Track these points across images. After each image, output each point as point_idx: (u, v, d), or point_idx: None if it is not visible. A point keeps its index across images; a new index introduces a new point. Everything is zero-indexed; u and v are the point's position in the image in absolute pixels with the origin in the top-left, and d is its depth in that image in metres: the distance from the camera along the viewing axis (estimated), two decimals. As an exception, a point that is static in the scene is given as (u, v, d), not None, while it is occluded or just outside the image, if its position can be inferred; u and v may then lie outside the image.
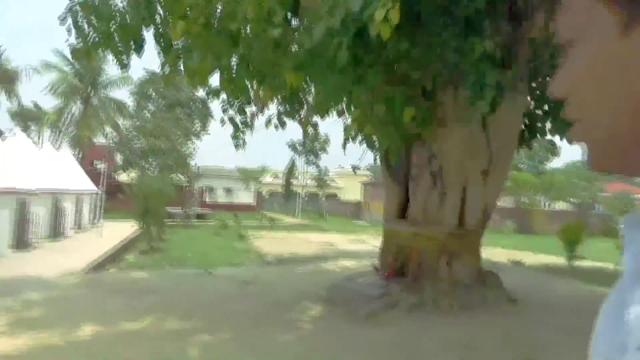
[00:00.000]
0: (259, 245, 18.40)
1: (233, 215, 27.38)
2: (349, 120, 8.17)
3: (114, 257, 13.62)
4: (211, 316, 7.10)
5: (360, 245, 19.96)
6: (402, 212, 7.63)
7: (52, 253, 13.85)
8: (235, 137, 8.56)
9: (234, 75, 5.78)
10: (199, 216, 30.70)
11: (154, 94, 38.18)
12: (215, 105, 39.61)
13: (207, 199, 39.20)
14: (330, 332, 6.30)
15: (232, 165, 44.62)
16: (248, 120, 8.44)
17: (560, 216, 35.86)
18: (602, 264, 15.21)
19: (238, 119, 8.37)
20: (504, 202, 39.20)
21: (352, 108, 6.34)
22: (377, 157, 7.76)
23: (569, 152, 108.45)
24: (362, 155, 8.17)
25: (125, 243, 17.00)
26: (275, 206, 47.08)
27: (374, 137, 7.36)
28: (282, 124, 7.68)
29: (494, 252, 14.28)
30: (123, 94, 48.10)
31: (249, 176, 41.37)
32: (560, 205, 47.46)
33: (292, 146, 41.14)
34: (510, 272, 12.66)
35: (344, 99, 6.32)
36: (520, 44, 6.30)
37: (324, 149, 41.64)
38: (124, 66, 6.87)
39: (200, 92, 39.93)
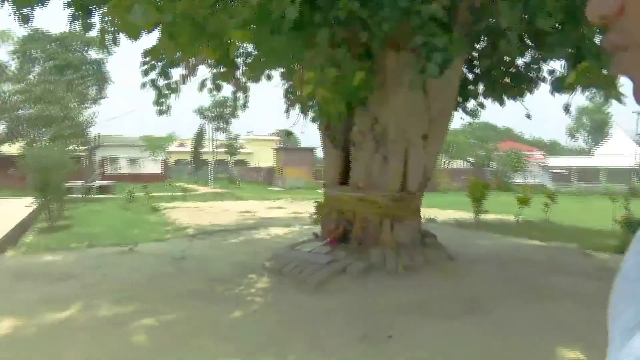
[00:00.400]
0: (176, 217, 17.52)
1: (142, 187, 25.76)
2: (286, 85, 7.86)
3: (12, 240, 12.12)
4: (149, 298, 6.56)
5: (281, 212, 19.87)
6: (343, 177, 7.60)
7: None
8: (157, 102, 7.90)
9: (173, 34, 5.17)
10: (102, 189, 28.44)
11: (40, 54, 33.97)
12: (112, 67, 36.18)
13: (108, 171, 36.32)
14: (283, 303, 6.13)
15: (137, 134, 41.68)
16: (172, 84, 7.78)
17: (460, 174, 38.79)
18: (503, 216, 16.71)
19: (162, 82, 7.68)
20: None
21: (302, 71, 6.01)
22: (316, 122, 7.58)
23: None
24: (296, 121, 7.93)
25: (21, 222, 15.21)
26: (185, 175, 45.19)
27: (313, 102, 7.15)
28: (218, 88, 7.13)
29: None
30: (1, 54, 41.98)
31: (154, 145, 39.01)
32: (457, 164, 51.29)
33: (200, 112, 39.37)
34: (430, 229, 13.40)
35: (289, 61, 5.98)
36: (460, 7, 6.37)
37: (233, 115, 40.39)
38: (26, 21, 5.85)
39: (93, 54, 36.24)
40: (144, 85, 7.60)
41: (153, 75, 7.63)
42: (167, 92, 7.87)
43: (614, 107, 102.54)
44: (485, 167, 42.43)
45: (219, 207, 22.23)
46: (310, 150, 42.74)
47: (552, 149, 67.57)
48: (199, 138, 44.67)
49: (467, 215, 17.27)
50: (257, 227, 13.93)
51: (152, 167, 41.00)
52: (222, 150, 45.43)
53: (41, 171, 15.80)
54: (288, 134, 10.22)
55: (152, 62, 7.26)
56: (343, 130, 7.58)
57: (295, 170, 38.39)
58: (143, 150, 38.44)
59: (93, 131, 32.93)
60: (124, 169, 38.79)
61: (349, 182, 7.56)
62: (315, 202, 14.38)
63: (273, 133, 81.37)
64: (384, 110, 7.01)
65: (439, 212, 18.78)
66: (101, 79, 35.73)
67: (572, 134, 76.10)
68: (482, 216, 15.98)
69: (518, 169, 39.69)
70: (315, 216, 13.36)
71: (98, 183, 29.08)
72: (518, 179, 39.95)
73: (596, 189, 35.37)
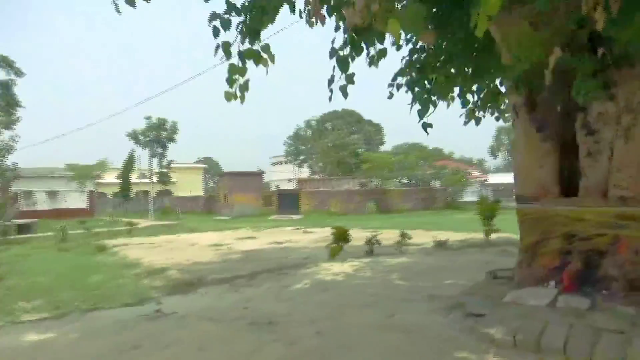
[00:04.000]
0: (137, 257, 14.37)
1: (78, 223, 21.81)
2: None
3: None
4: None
5: (260, 242, 17.27)
6: (562, 186, 5.11)
7: None
8: (230, 82, 4.93)
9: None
10: (22, 229, 23.81)
11: None
12: (21, 91, 31.09)
13: (23, 207, 31.02)
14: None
15: (57, 164, 36.31)
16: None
17: (411, 194, 38.33)
18: (510, 234, 15.57)
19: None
20: (363, 184, 40.40)
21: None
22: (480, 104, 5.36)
23: (398, 134, 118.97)
24: (428, 114, 5.41)
25: None
26: (110, 208, 40.26)
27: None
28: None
29: (384, 236, 13.03)
30: None
31: (82, 175, 34.08)
32: (397, 184, 50.98)
33: (134, 136, 35.13)
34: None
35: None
36: None
37: (172, 139, 36.63)
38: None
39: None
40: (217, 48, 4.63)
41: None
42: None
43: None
44: (434, 186, 42.47)
45: (180, 241, 19.13)
46: (258, 175, 40.20)
47: (480, 167, 70.61)
48: (128, 165, 40.26)
49: (466, 235, 16.09)
50: (298, 266, 11.06)
51: (76, 200, 35.85)
52: (147, 180, 41.11)
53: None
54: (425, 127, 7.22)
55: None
56: (554, 116, 4.98)
57: (243, 197, 35.57)
58: (69, 180, 33.33)
59: (10, 159, 27.85)
60: (43, 203, 33.40)
61: (581, 190, 4.95)
62: (334, 228, 12.04)
63: (197, 160, 77.29)
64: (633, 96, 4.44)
65: (453, 234, 17.25)
66: (11, 102, 30.81)
67: (493, 152, 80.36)
68: (492, 235, 14.70)
69: (464, 187, 40.16)
70: (332, 248, 11.28)
71: (16, 221, 24.41)
72: (464, 197, 40.39)
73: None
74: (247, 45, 4.51)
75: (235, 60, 4.52)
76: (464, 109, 6.18)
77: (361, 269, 9.87)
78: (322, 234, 18.58)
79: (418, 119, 5.43)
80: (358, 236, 13.38)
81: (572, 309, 4.40)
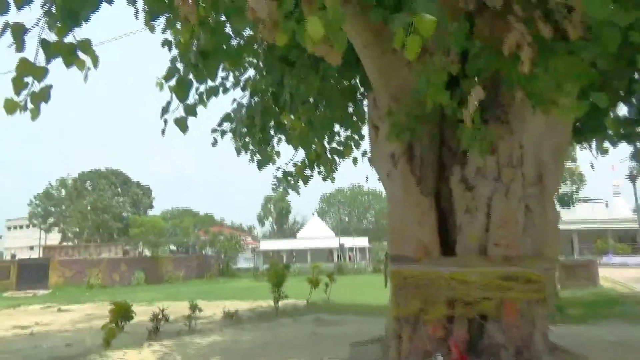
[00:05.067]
0: None
1: None
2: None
3: None
4: None
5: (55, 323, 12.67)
6: (442, 245, 4.57)
7: None
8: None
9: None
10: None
11: None
12: None
13: None
14: None
15: None
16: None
17: (183, 261, 35.97)
18: (297, 300, 15.45)
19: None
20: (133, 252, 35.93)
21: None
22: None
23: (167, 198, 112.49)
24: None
25: None
26: None
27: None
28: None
29: (172, 310, 11.18)
30: None
31: None
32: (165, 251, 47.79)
33: None
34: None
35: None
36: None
37: None
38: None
39: None
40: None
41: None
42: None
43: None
44: (206, 253, 40.92)
45: None
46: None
47: (250, 233, 72.38)
48: None
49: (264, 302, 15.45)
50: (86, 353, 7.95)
51: None
52: None
53: None
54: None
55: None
56: (432, 162, 4.56)
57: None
58: None
59: None
60: None
61: (459, 249, 4.49)
62: (113, 303, 9.12)
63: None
64: (530, 127, 4.22)
65: (239, 303, 16.08)
66: None
67: (261, 220, 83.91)
68: (281, 302, 14.30)
69: (239, 253, 40.11)
70: (109, 330, 8.83)
71: None
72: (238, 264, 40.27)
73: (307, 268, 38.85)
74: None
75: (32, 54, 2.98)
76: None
77: (169, 356, 7.89)
78: (82, 312, 15.17)
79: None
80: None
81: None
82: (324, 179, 7.12)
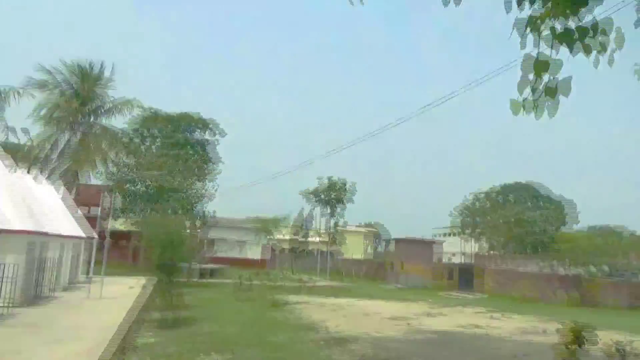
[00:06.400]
0: (313, 319, 13.40)
1: (253, 274, 22.30)
2: None
3: (127, 341, 8.63)
4: None
5: (443, 321, 14.79)
6: None
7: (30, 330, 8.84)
8: None
9: None
10: (208, 273, 25.44)
11: (157, 133, 33.92)
12: (223, 148, 35.44)
13: (213, 253, 33.70)
14: None
15: (244, 215, 39.42)
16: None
17: (619, 287, 31.37)
18: None
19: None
20: None
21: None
22: None
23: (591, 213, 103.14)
24: None
25: (137, 313, 11.88)
26: (283, 263, 41.44)
27: None
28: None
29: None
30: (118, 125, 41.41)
31: (265, 227, 36.14)
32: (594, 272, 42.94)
33: (307, 196, 36.32)
34: None
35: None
36: None
37: (340, 200, 36.52)
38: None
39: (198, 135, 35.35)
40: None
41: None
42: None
43: None
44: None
45: (350, 306, 17.87)
46: (429, 244, 37.63)
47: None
48: (301, 224, 41.52)
49: None
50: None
51: (253, 251, 37.94)
52: (317, 239, 41.41)
53: (160, 246, 12.74)
54: None
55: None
56: None
57: (413, 267, 33.23)
58: (255, 233, 35.55)
59: (207, 209, 31.06)
60: (226, 251, 35.88)
61: None
62: (571, 322, 8.46)
63: (360, 224, 76.68)
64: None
65: None
66: (206, 159, 34.97)
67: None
68: None
69: None
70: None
71: (209, 266, 26.43)
72: None
73: None
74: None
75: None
76: None
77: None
78: (521, 323, 15.30)
79: None
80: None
81: None
82: None
